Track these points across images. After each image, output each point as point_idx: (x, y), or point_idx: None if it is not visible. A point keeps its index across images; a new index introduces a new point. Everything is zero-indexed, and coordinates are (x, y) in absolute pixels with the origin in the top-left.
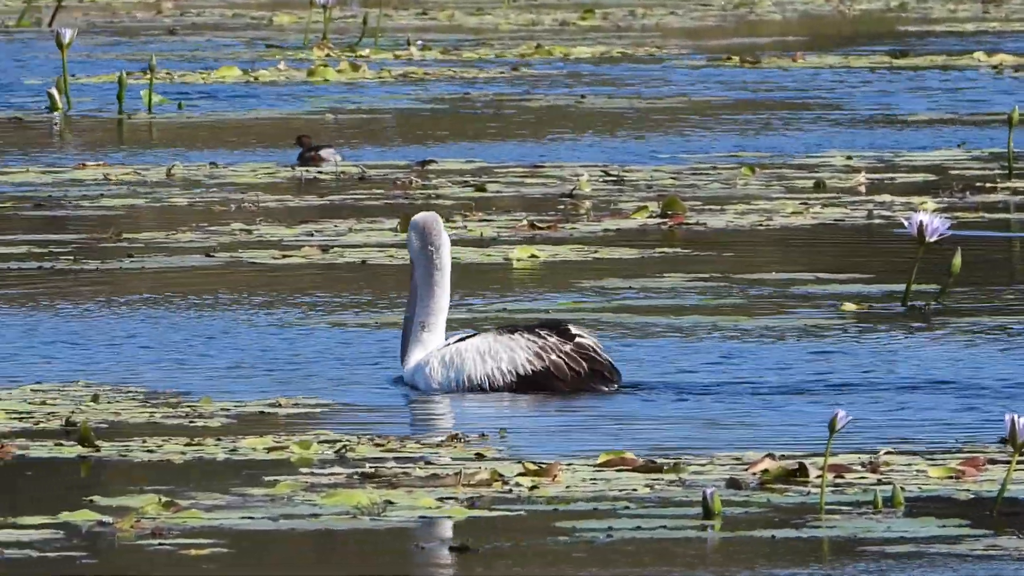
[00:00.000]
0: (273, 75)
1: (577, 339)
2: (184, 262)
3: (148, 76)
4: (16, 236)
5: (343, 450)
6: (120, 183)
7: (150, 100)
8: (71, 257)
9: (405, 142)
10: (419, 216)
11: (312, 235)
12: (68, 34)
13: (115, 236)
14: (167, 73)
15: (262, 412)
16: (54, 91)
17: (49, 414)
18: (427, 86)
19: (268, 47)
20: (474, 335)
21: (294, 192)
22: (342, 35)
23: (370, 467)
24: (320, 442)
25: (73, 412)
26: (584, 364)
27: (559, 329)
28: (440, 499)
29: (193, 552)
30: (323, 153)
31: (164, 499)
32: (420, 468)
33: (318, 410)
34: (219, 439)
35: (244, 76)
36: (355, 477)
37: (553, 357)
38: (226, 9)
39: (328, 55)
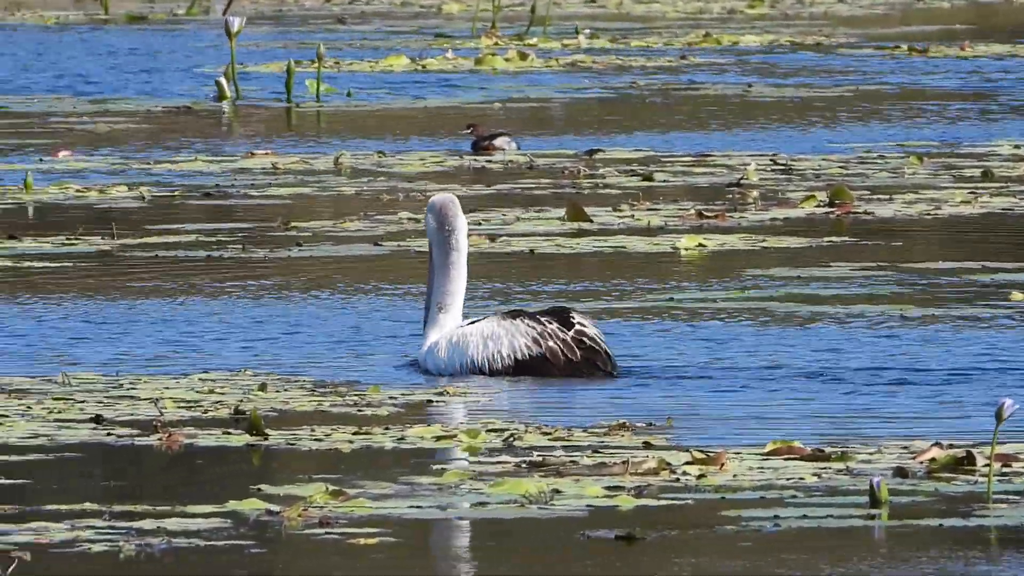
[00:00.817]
0: (441, 63)
1: (577, 327)
2: (351, 251)
3: (316, 65)
4: (185, 225)
5: (511, 439)
6: (288, 172)
7: (318, 89)
8: (239, 246)
9: (573, 131)
10: (436, 197)
11: (480, 224)
12: (237, 23)
13: (283, 225)
14: (335, 62)
15: (430, 401)
16: (223, 80)
17: (217, 403)
18: (595, 75)
19: (437, 36)
20: (483, 319)
21: (462, 181)
22: (510, 23)
23: (538, 456)
24: (488, 431)
25: (241, 401)
26: (578, 351)
27: (561, 316)
28: (607, 488)
29: (361, 541)
30: (498, 142)
31: (332, 488)
32: (588, 456)
33: (486, 398)
34: (387, 428)
35: (412, 65)
36: (523, 466)
37: (550, 343)
38: None
39: (496, 43)
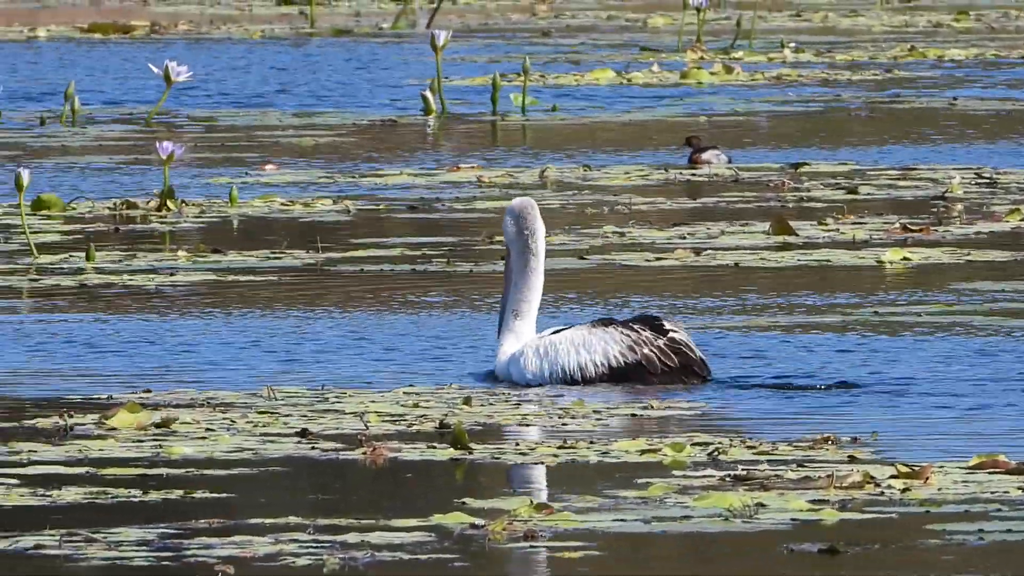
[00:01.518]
0: (646, 77)
1: (670, 334)
2: (556, 265)
3: (522, 78)
4: (390, 239)
5: (715, 453)
6: (493, 185)
7: (523, 102)
8: (444, 260)
9: (777, 144)
10: (515, 201)
11: (684, 238)
12: (442, 36)
13: (488, 239)
14: (540, 75)
15: (634, 415)
16: (428, 93)
17: (422, 417)
18: (800, 88)
19: (642, 49)
20: (568, 328)
21: (667, 194)
22: (716, 37)
23: (742, 469)
24: (692, 444)
25: (446, 415)
26: (675, 358)
27: (653, 324)
28: (812, 501)
29: (565, 555)
30: (706, 155)
31: (536, 501)
32: (792, 470)
33: (690, 412)
34: (592, 441)
35: (617, 78)
36: (727, 480)
37: (646, 351)
38: (600, 11)
39: (702, 57)
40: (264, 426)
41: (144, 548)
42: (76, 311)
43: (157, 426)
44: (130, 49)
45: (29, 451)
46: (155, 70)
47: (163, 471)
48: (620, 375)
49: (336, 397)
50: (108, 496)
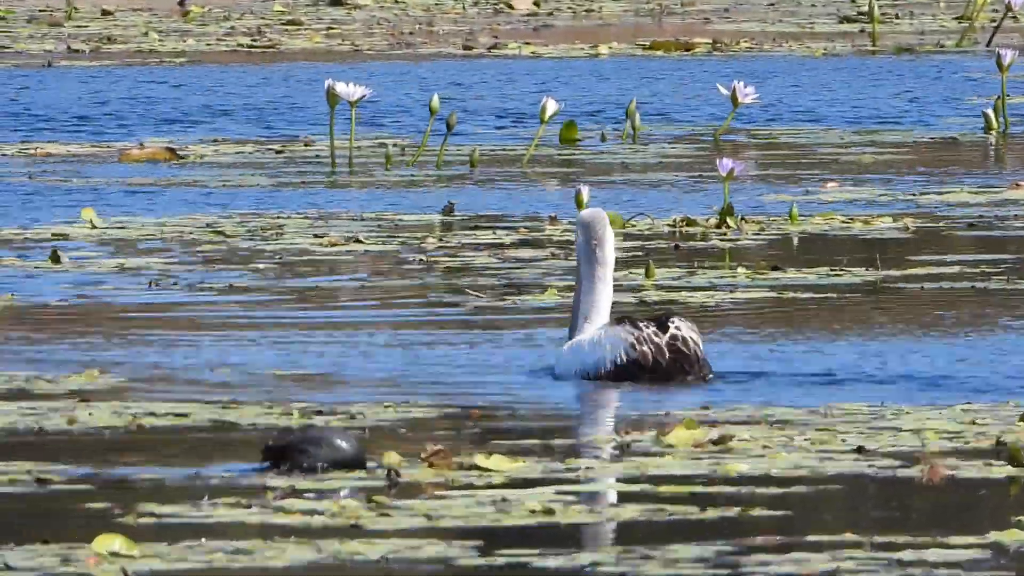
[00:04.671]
0: None
1: (672, 331)
2: None
3: None
4: (949, 256)
5: None
6: None
7: None
8: (1004, 277)
9: None
10: (585, 212)
11: None
12: (1008, 55)
13: None
14: None
15: None
16: (990, 111)
17: (979, 434)
18: None
19: None
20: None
21: None
22: None
23: None
24: None
25: (1003, 432)
26: (667, 355)
27: (659, 321)
28: None
29: None
30: None
31: None
32: None
33: None
34: None
35: None
36: None
37: (643, 348)
38: None
39: None
40: (821, 443)
41: (701, 565)
42: None
43: (714, 443)
44: (691, 66)
45: (586, 468)
46: (723, 91)
47: (720, 488)
48: (623, 373)
49: (893, 413)
50: (665, 513)
